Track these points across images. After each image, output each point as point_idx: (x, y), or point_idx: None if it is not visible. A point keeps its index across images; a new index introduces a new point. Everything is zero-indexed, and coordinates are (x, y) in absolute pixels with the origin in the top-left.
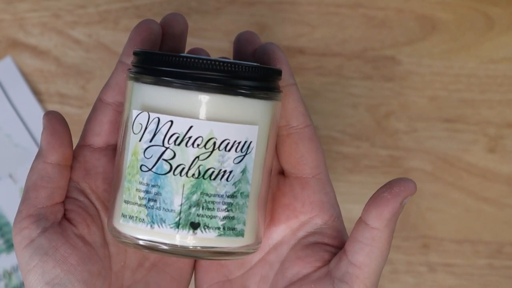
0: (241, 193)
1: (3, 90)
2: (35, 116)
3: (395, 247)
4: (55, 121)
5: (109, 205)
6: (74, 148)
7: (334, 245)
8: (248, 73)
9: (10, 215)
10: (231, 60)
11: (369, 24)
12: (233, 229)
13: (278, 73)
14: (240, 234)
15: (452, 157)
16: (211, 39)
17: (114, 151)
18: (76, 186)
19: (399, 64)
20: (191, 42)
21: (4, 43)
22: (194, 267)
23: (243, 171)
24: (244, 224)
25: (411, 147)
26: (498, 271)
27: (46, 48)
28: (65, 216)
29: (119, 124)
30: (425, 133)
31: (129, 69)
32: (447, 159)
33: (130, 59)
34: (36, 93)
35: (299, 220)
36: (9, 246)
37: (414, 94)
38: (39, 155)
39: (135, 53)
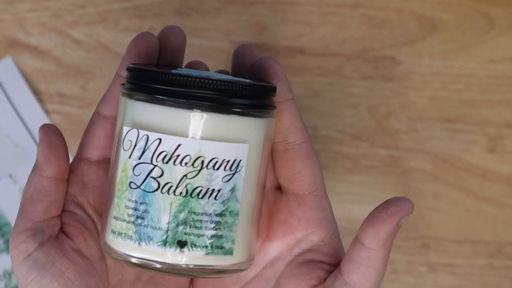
0: (230, 211)
1: (3, 90)
2: (35, 116)
3: (395, 247)
4: (51, 134)
5: (102, 220)
6: (71, 161)
7: (330, 263)
8: (240, 91)
9: (10, 215)
10: (222, 78)
11: (369, 24)
12: (222, 247)
13: (272, 90)
14: (229, 252)
15: (452, 157)
16: (211, 39)
17: None
18: (73, 200)
19: (399, 64)
20: (191, 42)
21: (4, 43)
22: (191, 282)
23: (232, 190)
24: (233, 242)
25: (411, 147)
26: (498, 271)
27: (46, 48)
28: (62, 230)
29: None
30: (425, 133)
31: (123, 84)
32: (447, 159)
33: (125, 73)
34: (36, 93)
35: (295, 236)
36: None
37: (414, 94)
38: (35, 169)
39: (128, 69)
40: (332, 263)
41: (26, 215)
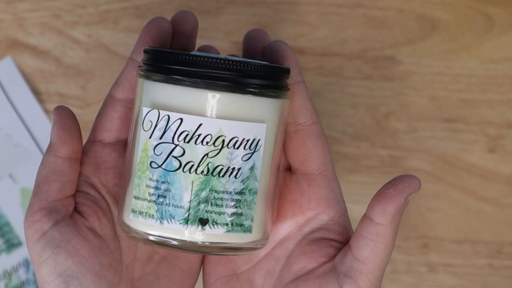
0: (249, 190)
1: (3, 90)
2: (35, 116)
3: (395, 247)
4: (65, 116)
5: (119, 200)
6: (84, 143)
7: (340, 240)
8: (257, 72)
9: (10, 215)
10: (240, 59)
11: (369, 24)
12: (241, 225)
13: (287, 71)
14: (248, 230)
15: (452, 157)
16: (211, 39)
17: (125, 146)
18: (87, 181)
19: (399, 64)
20: None
21: (4, 43)
22: (203, 261)
23: (252, 168)
24: (252, 220)
25: (411, 147)
26: (498, 271)
27: (46, 48)
28: (76, 210)
29: (129, 120)
30: (425, 133)
31: (140, 66)
32: (447, 159)
33: (140, 56)
34: (36, 93)
35: (305, 216)
36: (9, 246)
37: (414, 94)
38: (49, 149)
39: (145, 51)
40: (342, 241)
41: (41, 194)
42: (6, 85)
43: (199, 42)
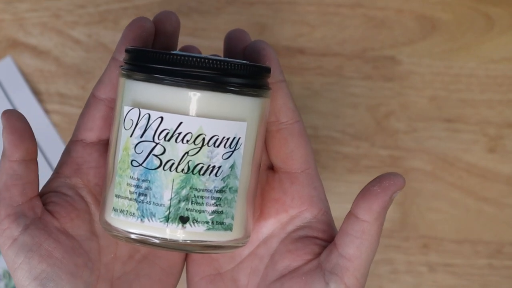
0: (229, 188)
1: (3, 90)
2: (35, 116)
3: (395, 247)
4: (14, 119)
5: (101, 199)
6: (67, 143)
7: (324, 238)
8: (237, 70)
9: None
10: (220, 58)
11: (369, 24)
12: (222, 223)
13: (267, 70)
14: (229, 228)
15: (452, 157)
16: (211, 39)
17: (106, 146)
18: (66, 181)
19: (399, 64)
20: (192, 42)
21: (4, 43)
22: (186, 260)
23: (232, 167)
24: (232, 218)
25: (411, 147)
26: (498, 271)
27: (46, 48)
28: (48, 210)
29: (112, 120)
30: (425, 133)
31: (121, 66)
32: (447, 159)
33: (122, 56)
34: (36, 93)
35: (289, 214)
36: None
37: (414, 94)
38: (3, 155)
39: (127, 51)
40: (326, 238)
41: (4, 201)
42: (6, 85)
43: (199, 42)
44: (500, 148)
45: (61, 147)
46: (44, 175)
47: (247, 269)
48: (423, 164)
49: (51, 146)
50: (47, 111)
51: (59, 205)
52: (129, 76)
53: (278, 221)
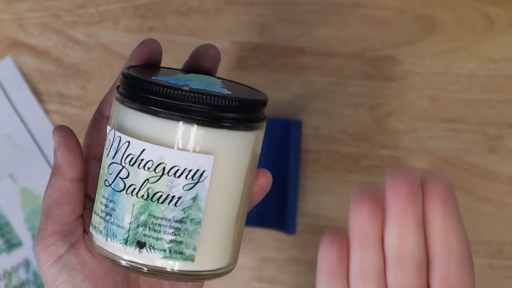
0: (191, 219)
1: (3, 90)
2: (35, 116)
3: None
4: (69, 137)
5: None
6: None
7: None
8: (203, 101)
9: (10, 215)
10: (189, 87)
11: (369, 24)
12: (181, 253)
13: (260, 103)
14: (189, 258)
15: (452, 157)
16: (211, 39)
17: None
18: (89, 198)
19: (399, 64)
20: (192, 42)
21: (4, 43)
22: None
23: (194, 198)
24: (194, 249)
25: (411, 147)
26: (498, 271)
27: (46, 48)
28: (83, 229)
29: None
30: (425, 133)
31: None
32: (447, 159)
33: None
34: (36, 93)
35: None
36: (9, 246)
37: (414, 94)
38: (57, 172)
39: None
40: None
41: (53, 218)
42: (6, 85)
43: (199, 42)
44: (500, 148)
45: None
46: (44, 175)
47: None
48: (423, 164)
49: (51, 146)
50: (47, 111)
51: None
52: (116, 98)
53: None
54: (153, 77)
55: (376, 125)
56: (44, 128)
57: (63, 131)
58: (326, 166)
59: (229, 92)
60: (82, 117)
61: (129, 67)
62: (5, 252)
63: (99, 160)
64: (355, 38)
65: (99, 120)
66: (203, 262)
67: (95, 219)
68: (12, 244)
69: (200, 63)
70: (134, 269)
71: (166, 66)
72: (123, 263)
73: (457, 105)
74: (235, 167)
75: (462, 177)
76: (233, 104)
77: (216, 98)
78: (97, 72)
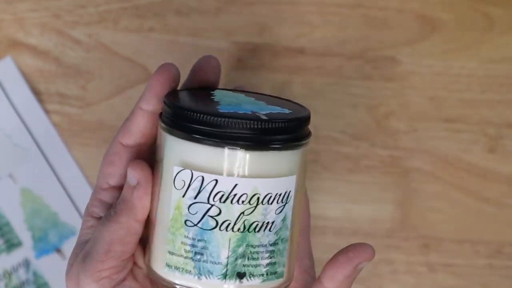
0: (281, 239)
1: (3, 90)
2: (35, 116)
3: (395, 247)
4: (149, 178)
5: (148, 251)
6: (96, 189)
7: None
8: (282, 127)
9: (10, 215)
10: (268, 116)
11: (369, 24)
12: (275, 273)
13: (306, 119)
14: (281, 276)
15: (452, 157)
16: (211, 39)
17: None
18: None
19: (399, 64)
20: (191, 42)
21: (4, 43)
22: None
23: (284, 219)
24: (284, 266)
25: (411, 147)
26: (498, 271)
27: (46, 48)
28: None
29: (154, 171)
30: (425, 133)
31: (160, 117)
32: (447, 159)
33: (149, 106)
34: (36, 93)
35: None
36: (9, 246)
37: (414, 94)
38: (128, 212)
39: (165, 103)
40: None
41: (115, 254)
42: (6, 85)
43: (199, 42)
44: (500, 148)
45: (61, 147)
46: (44, 174)
47: None
48: (423, 164)
49: (51, 146)
50: (47, 111)
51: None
52: (171, 132)
53: None
54: (218, 108)
55: (376, 125)
56: (44, 128)
57: (146, 171)
58: (326, 166)
59: (289, 111)
60: (82, 117)
61: (167, 96)
62: (5, 252)
63: (118, 189)
64: (355, 38)
65: (118, 150)
66: (287, 275)
67: (176, 259)
68: (12, 244)
69: (204, 76)
70: None
71: (190, 88)
72: None
73: (457, 105)
74: (303, 182)
75: (462, 177)
76: (298, 123)
77: (286, 123)
78: (97, 72)
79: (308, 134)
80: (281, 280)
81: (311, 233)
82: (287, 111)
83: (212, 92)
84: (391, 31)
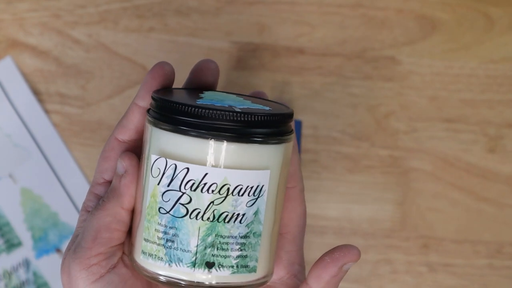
0: (253, 233)
1: (3, 90)
2: (35, 116)
3: (395, 247)
4: (137, 167)
5: (131, 239)
6: (92, 183)
7: None
8: (261, 121)
9: (10, 215)
10: (245, 109)
11: (369, 24)
12: (246, 266)
13: (290, 116)
14: (253, 270)
15: (452, 157)
16: (211, 39)
17: None
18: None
19: (399, 64)
20: (191, 42)
21: (4, 43)
22: None
23: (256, 213)
24: (256, 261)
25: (411, 147)
26: (498, 271)
27: (46, 48)
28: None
29: (140, 163)
30: (425, 133)
31: (148, 111)
32: (447, 159)
33: (143, 102)
34: (36, 93)
35: None
36: (9, 246)
37: (414, 94)
38: (115, 199)
39: (153, 98)
40: None
41: (102, 240)
42: (6, 85)
43: (199, 42)
44: (500, 148)
45: (61, 147)
46: (44, 174)
47: None
48: (423, 164)
49: (51, 146)
50: (47, 111)
51: (125, 244)
52: (155, 124)
53: None
54: (197, 101)
55: (376, 125)
56: (44, 128)
57: (134, 161)
58: (325, 166)
59: (270, 108)
60: (82, 117)
61: (157, 91)
62: (5, 252)
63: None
64: (355, 38)
65: (114, 145)
66: (261, 270)
67: (149, 246)
68: (12, 244)
69: (202, 78)
70: None
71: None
72: (187, 284)
73: (457, 105)
74: (281, 178)
75: (462, 177)
76: (280, 118)
77: (268, 117)
78: (97, 72)
79: (288, 132)
80: (253, 274)
81: (311, 233)
82: (267, 108)
83: (203, 91)
84: (391, 31)
